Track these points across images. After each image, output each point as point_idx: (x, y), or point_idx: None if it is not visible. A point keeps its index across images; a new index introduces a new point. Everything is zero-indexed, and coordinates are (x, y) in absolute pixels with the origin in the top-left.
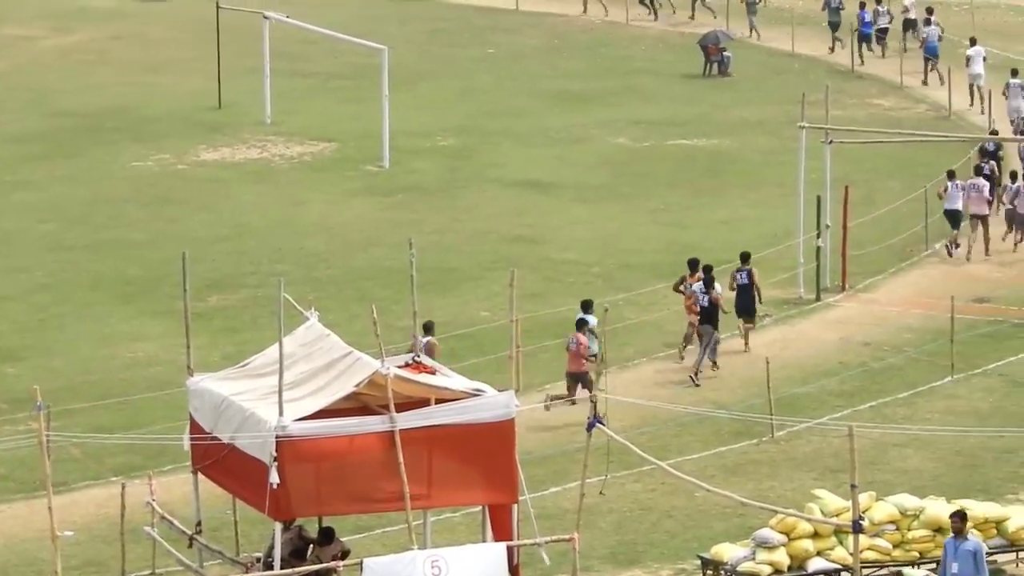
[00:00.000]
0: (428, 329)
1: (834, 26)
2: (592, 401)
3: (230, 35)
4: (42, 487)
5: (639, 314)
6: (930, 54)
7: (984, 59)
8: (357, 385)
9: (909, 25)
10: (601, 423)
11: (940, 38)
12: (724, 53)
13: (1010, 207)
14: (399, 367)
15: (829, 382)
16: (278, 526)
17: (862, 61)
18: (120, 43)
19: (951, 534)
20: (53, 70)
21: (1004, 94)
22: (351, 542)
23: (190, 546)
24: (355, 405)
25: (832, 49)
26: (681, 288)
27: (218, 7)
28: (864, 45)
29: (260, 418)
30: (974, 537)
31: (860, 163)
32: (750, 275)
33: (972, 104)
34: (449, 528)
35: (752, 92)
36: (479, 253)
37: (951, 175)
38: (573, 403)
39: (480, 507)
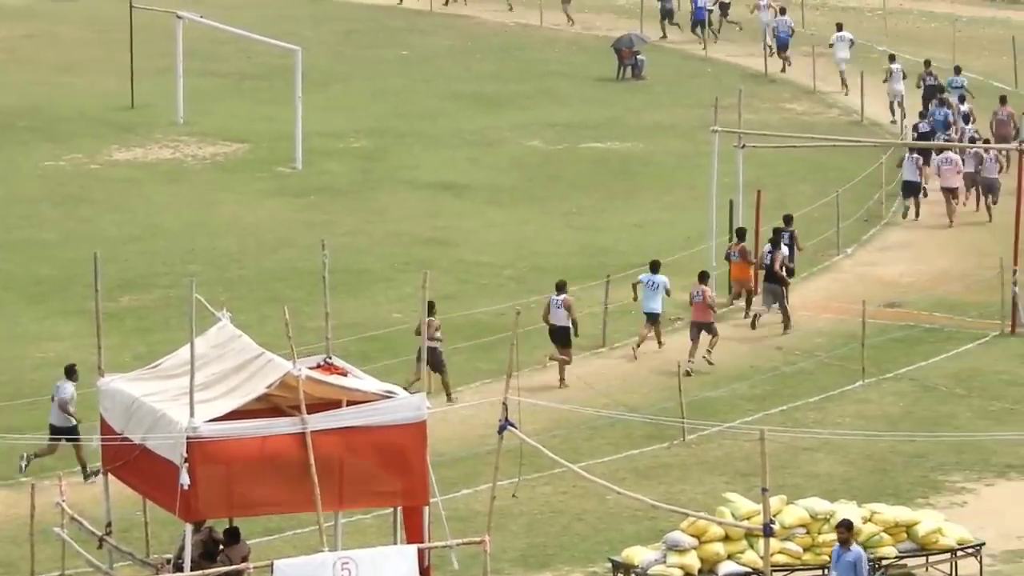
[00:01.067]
0: (560, 288)
1: (666, 13)
2: (504, 404)
3: (143, 35)
4: None
5: None
6: (781, 46)
7: (851, 43)
8: (269, 386)
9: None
10: (512, 426)
11: (792, 31)
12: (638, 56)
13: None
14: (310, 368)
15: (740, 386)
16: (188, 527)
17: (704, 47)
18: (32, 42)
19: (861, 538)
20: None
21: (884, 80)
22: (261, 544)
23: (100, 547)
24: (267, 407)
25: (664, 35)
26: (730, 257)
27: (131, 6)
28: (699, 29)
29: (171, 419)
30: (857, 547)
31: (773, 167)
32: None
33: (846, 92)
34: (360, 530)
35: (665, 96)
36: (391, 255)
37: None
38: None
39: (391, 509)
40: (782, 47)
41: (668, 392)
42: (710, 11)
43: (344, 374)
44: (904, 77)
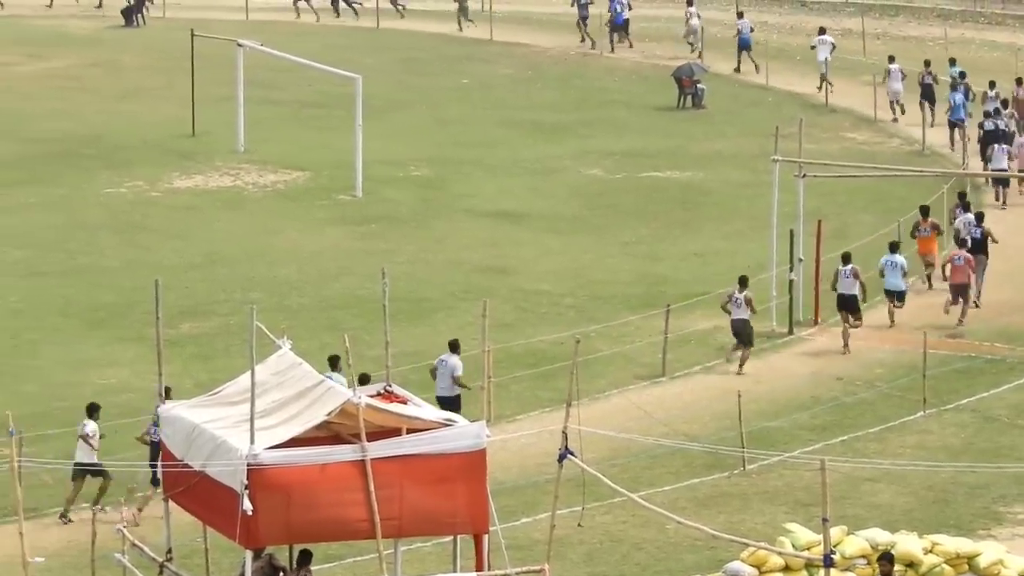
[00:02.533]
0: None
1: (584, 20)
2: (564, 432)
3: (204, 63)
4: (13, 513)
5: (611, 345)
6: (743, 47)
7: (832, 47)
8: (329, 414)
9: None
10: (572, 454)
11: (752, 29)
12: (698, 85)
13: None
14: (370, 396)
15: (801, 416)
16: (248, 554)
17: (612, 49)
18: (96, 70)
19: (922, 570)
20: (28, 96)
21: (883, 80)
22: (322, 572)
23: (160, 574)
24: (326, 434)
25: (583, 40)
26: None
27: (193, 35)
28: (616, 36)
29: (231, 446)
30: None
31: (833, 197)
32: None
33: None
34: (420, 559)
35: (726, 125)
36: (451, 283)
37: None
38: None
39: (451, 537)
40: (744, 46)
41: (728, 421)
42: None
43: (404, 402)
44: (903, 77)
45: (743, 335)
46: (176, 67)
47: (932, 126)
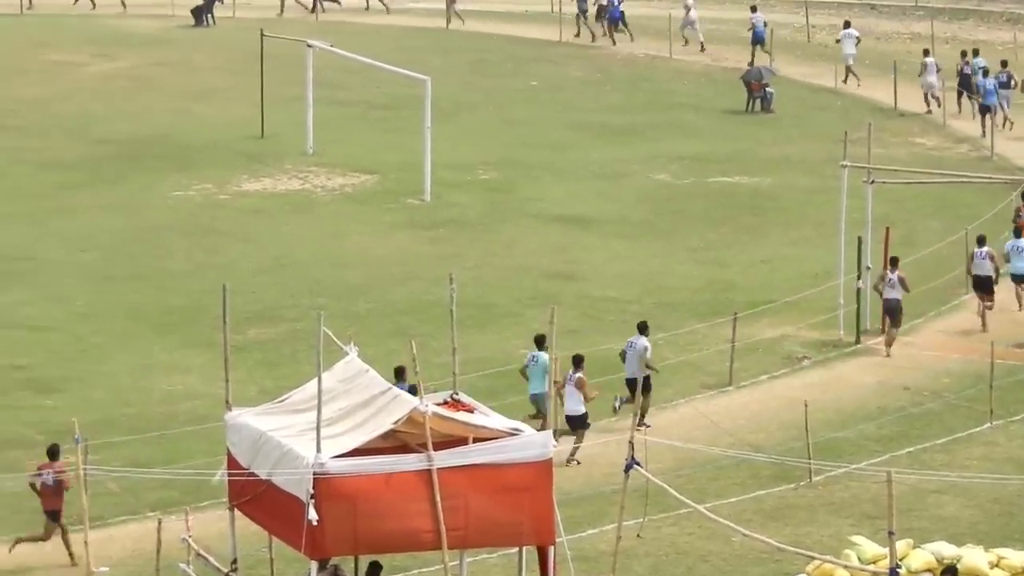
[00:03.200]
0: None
1: (584, 14)
2: (630, 442)
3: (273, 63)
4: (79, 521)
5: (678, 354)
6: (757, 40)
7: (857, 40)
8: (395, 422)
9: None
10: (638, 465)
11: (765, 24)
12: (767, 89)
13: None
14: (437, 404)
15: (868, 427)
16: (314, 565)
17: (613, 42)
18: (164, 70)
19: None
20: (96, 97)
21: (919, 74)
22: None
23: None
24: (393, 443)
25: (578, 34)
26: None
27: (262, 35)
28: (613, 28)
29: (298, 454)
30: None
31: (902, 203)
32: None
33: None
34: (485, 570)
35: (794, 129)
36: (518, 289)
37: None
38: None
39: (517, 549)
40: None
41: (794, 432)
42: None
43: (471, 410)
44: (938, 70)
45: (896, 314)
46: (245, 68)
47: (974, 117)
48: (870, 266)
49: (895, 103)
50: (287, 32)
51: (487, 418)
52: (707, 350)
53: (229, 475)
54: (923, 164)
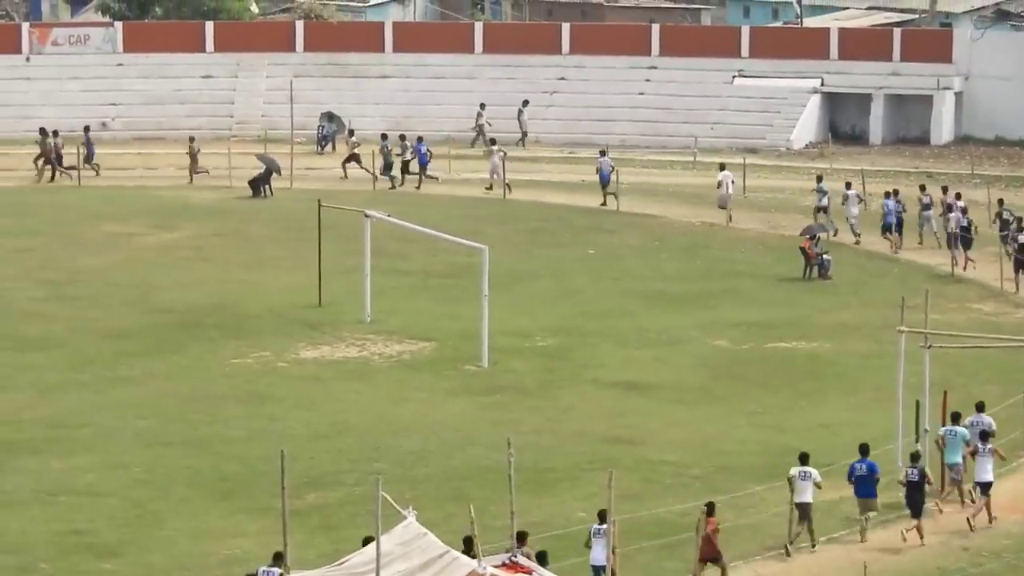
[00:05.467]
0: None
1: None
2: None
3: (331, 233)
4: None
5: (737, 517)
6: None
7: (859, 199)
8: None
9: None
10: None
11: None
12: (824, 256)
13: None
14: (496, 567)
15: None
16: None
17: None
18: (221, 240)
19: None
20: (154, 266)
21: (842, 203)
22: None
23: None
24: None
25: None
26: None
27: (320, 205)
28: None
29: None
30: None
31: (960, 368)
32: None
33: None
34: None
35: (852, 296)
36: (576, 453)
37: None
38: None
39: None
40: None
41: None
42: None
43: (529, 573)
44: (860, 201)
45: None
46: (302, 237)
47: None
48: (927, 428)
49: (951, 270)
50: (346, 202)
51: None
52: (767, 512)
53: None
54: (981, 329)
